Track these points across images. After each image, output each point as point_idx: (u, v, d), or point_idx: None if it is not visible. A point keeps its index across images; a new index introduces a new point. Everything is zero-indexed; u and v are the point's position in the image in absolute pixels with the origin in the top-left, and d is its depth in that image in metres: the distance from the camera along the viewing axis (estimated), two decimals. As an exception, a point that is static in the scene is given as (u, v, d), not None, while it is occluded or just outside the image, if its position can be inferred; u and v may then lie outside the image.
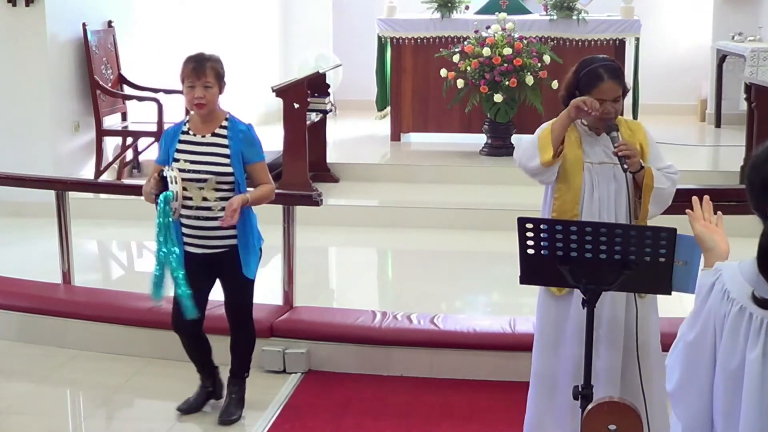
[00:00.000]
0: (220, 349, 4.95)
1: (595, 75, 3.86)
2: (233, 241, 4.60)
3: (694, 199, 2.74)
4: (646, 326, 3.97)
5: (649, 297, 4.00)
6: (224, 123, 4.61)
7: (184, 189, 4.51)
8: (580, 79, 3.91)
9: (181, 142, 4.60)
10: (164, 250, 4.46)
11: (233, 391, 4.86)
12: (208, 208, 4.55)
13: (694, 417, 2.46)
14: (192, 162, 4.54)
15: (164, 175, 4.45)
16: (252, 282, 4.72)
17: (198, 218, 4.56)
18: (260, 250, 4.73)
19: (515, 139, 9.24)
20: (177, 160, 4.55)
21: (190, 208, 4.55)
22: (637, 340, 3.83)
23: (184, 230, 4.59)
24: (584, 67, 3.93)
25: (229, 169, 4.53)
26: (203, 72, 4.52)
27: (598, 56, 4.08)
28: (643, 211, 3.89)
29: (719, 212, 2.78)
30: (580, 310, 3.76)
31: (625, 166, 3.77)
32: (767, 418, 2.34)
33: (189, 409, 4.87)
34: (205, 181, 4.52)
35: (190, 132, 4.62)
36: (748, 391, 2.35)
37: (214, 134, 4.59)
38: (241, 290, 4.73)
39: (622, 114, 3.99)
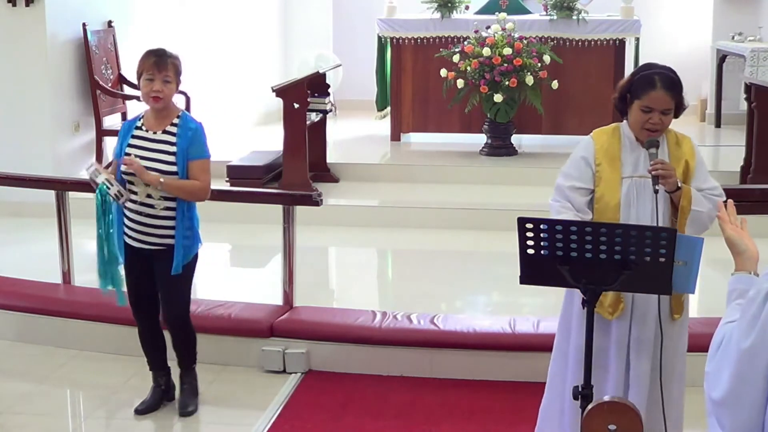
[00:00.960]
0: (200, 346, 4.98)
1: (648, 81, 3.70)
2: (171, 241, 4.62)
3: (720, 202, 2.71)
4: (672, 348, 3.86)
5: (681, 318, 3.89)
6: (175, 120, 4.63)
7: (131, 183, 4.57)
8: (634, 82, 3.75)
9: (133, 137, 4.64)
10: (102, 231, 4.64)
11: (184, 382, 4.91)
12: (152, 206, 4.58)
13: (743, 427, 2.36)
14: (142, 158, 4.57)
15: (92, 178, 4.56)
16: (181, 280, 4.69)
17: (140, 213, 4.60)
18: (196, 254, 4.72)
19: (515, 139, 9.26)
20: (128, 155, 4.58)
21: (134, 202, 4.59)
22: (661, 362, 3.75)
23: (126, 222, 4.64)
24: (641, 71, 3.78)
25: (174, 168, 4.56)
26: (165, 66, 4.55)
27: (659, 64, 3.86)
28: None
29: (743, 216, 2.75)
30: (623, 334, 3.80)
31: (657, 187, 3.64)
32: None
33: (146, 409, 4.91)
34: None
35: (143, 127, 4.64)
36: None
37: (164, 131, 4.61)
38: (175, 287, 4.72)
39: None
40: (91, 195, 7.69)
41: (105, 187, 4.53)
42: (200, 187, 4.61)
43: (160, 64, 4.54)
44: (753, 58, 9.74)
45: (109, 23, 8.77)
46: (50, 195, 6.16)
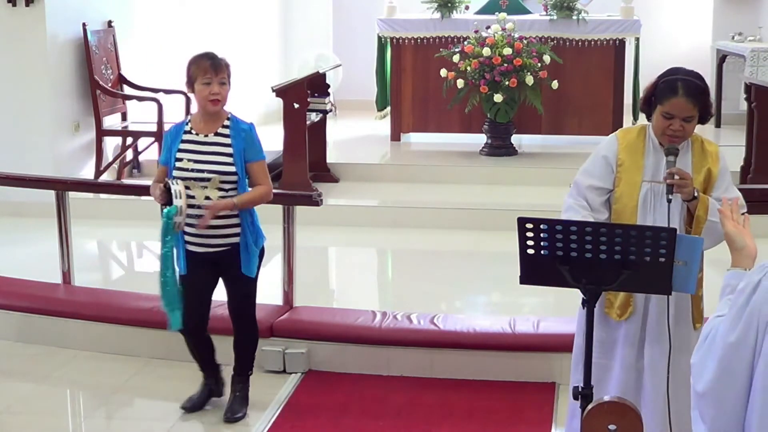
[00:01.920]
0: (223, 349, 4.95)
1: (671, 87, 3.65)
2: (235, 240, 4.62)
3: (724, 198, 2.72)
4: (685, 359, 3.76)
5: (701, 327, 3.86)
6: (226, 122, 4.62)
7: (187, 188, 4.54)
8: (658, 86, 3.70)
9: (184, 141, 4.61)
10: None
11: (237, 389, 4.87)
12: None
13: (724, 420, 2.39)
14: (196, 161, 4.55)
15: (169, 187, 4.49)
16: (253, 281, 4.73)
17: (200, 217, 4.56)
18: (262, 248, 4.74)
19: (515, 139, 9.26)
20: (180, 160, 4.56)
21: (192, 206, 4.56)
22: (668, 370, 3.70)
23: (187, 229, 4.61)
24: (666, 75, 3.72)
25: (233, 168, 4.55)
26: (221, 68, 4.56)
27: (686, 69, 3.78)
28: None
29: (745, 213, 2.76)
30: (632, 336, 3.79)
31: (670, 197, 3.58)
32: None
33: (193, 407, 4.88)
34: (208, 180, 4.53)
35: (193, 131, 4.62)
36: None
37: (217, 134, 4.60)
38: (242, 289, 4.74)
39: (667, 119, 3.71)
40: (90, 195, 7.78)
41: (176, 210, 4.46)
42: (267, 191, 4.67)
43: (217, 67, 4.54)
44: (753, 58, 9.74)
45: (109, 23, 8.77)
46: (50, 195, 6.15)
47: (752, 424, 2.35)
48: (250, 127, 4.65)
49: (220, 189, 4.55)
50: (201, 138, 4.60)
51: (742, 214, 2.82)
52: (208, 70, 4.54)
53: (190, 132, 4.63)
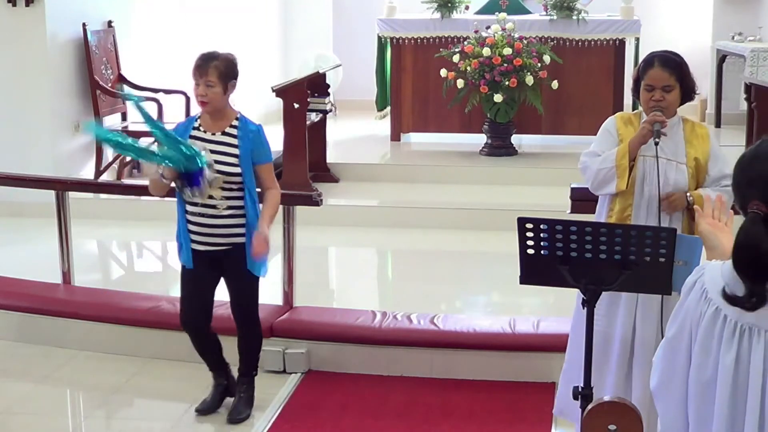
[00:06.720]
0: (227, 349, 4.95)
1: (648, 61, 4.00)
2: (238, 239, 4.61)
3: (706, 196, 2.71)
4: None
5: None
6: (235, 122, 4.62)
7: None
8: (640, 66, 4.05)
9: (191, 137, 4.60)
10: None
11: (242, 390, 4.86)
12: (213, 206, 4.56)
13: (673, 415, 2.43)
14: None
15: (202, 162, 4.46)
16: (255, 280, 4.72)
17: (203, 215, 4.57)
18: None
19: (515, 139, 9.26)
20: None
21: (195, 204, 4.56)
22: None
23: (189, 227, 4.61)
24: (645, 57, 4.06)
25: (238, 170, 4.54)
26: (205, 71, 4.53)
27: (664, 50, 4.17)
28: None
29: (731, 212, 2.74)
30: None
31: (657, 140, 3.83)
32: (738, 425, 2.29)
33: (207, 409, 4.85)
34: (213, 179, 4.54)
35: (201, 128, 4.63)
36: (721, 397, 2.30)
37: (224, 133, 4.59)
38: (246, 288, 4.74)
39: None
40: (90, 195, 7.77)
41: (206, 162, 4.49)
42: (277, 194, 4.68)
43: (202, 69, 4.53)
44: (753, 58, 9.74)
45: (109, 23, 8.77)
46: (50, 195, 6.15)
47: (693, 427, 2.38)
48: (259, 128, 4.64)
49: (224, 189, 4.55)
50: (208, 136, 4.60)
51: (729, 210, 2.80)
52: (194, 72, 4.56)
53: (198, 129, 4.63)
